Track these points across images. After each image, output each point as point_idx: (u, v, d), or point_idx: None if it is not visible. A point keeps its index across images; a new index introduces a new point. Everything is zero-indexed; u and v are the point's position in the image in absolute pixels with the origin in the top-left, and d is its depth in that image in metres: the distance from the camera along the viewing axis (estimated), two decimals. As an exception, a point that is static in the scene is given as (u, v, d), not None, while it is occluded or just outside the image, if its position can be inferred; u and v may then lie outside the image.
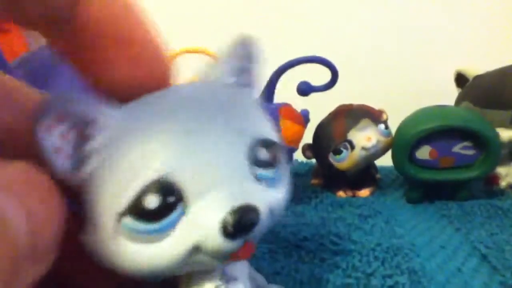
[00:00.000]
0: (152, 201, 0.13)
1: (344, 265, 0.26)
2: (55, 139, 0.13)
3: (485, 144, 0.36)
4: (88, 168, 0.14)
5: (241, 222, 0.13)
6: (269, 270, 0.25)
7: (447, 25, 0.64)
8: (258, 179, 0.15)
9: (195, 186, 0.13)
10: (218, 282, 0.16)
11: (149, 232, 0.13)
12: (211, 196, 0.13)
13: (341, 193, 0.42)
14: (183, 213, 0.13)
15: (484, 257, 0.28)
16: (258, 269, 0.25)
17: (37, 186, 0.11)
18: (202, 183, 0.14)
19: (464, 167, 0.37)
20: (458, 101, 0.44)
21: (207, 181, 0.14)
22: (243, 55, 0.17)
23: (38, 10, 0.13)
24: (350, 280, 0.24)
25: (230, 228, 0.13)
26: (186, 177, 0.13)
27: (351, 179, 0.42)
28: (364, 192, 0.42)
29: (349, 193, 0.42)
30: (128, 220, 0.13)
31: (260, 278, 0.20)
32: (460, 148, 0.37)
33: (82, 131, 0.14)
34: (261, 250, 0.28)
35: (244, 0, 0.65)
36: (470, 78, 0.44)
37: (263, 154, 0.15)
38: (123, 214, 0.13)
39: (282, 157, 0.16)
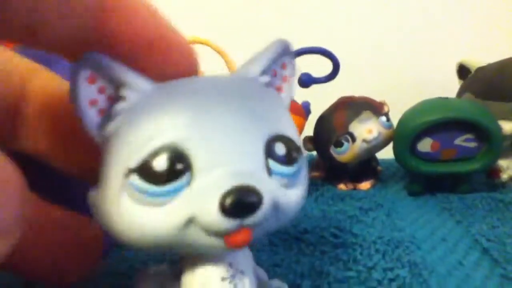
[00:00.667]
0: (161, 164, 0.13)
1: (345, 258, 0.26)
2: (93, 91, 0.14)
3: (487, 136, 0.36)
4: (112, 126, 0.15)
5: (240, 201, 0.13)
6: (269, 262, 0.25)
7: (449, 17, 0.64)
8: (271, 173, 0.15)
9: (204, 160, 0.14)
10: (225, 274, 0.16)
11: (152, 194, 0.14)
12: (216, 172, 0.14)
13: (342, 186, 0.42)
14: (187, 183, 0.14)
15: (485, 250, 0.28)
16: (258, 262, 0.25)
17: None
18: (211, 159, 0.14)
19: (465, 159, 0.37)
20: (460, 93, 0.44)
21: (216, 158, 0.14)
22: (277, 58, 0.18)
23: (63, 32, 0.13)
24: (351, 273, 0.24)
25: (228, 205, 0.13)
26: (198, 149, 0.14)
27: (352, 171, 0.42)
28: (365, 185, 0.42)
29: (350, 186, 0.42)
30: (135, 179, 0.14)
31: (262, 273, 0.20)
32: (462, 141, 0.36)
33: (116, 91, 0.15)
34: (261, 242, 0.28)
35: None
36: (472, 70, 0.44)
37: (280, 149, 0.15)
38: (132, 171, 0.14)
39: (300, 158, 0.16)
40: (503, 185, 0.39)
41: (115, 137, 0.14)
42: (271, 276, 0.24)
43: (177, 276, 0.18)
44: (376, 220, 0.33)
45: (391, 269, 0.24)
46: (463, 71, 0.46)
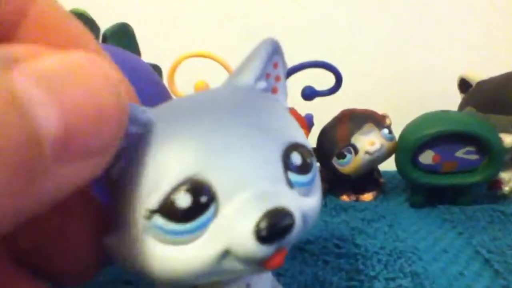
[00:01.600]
0: (184, 200, 0.13)
1: (347, 268, 0.26)
2: None
3: (488, 149, 0.36)
4: (117, 168, 0.14)
5: (275, 226, 0.13)
6: (273, 272, 0.26)
7: (450, 30, 0.65)
8: (292, 185, 0.14)
9: (227, 187, 0.13)
10: None
11: (179, 233, 0.13)
12: (243, 197, 0.13)
13: (344, 197, 0.42)
14: (214, 214, 0.13)
15: (486, 261, 0.28)
16: (263, 271, 0.26)
17: (83, 79, 0.10)
18: (234, 184, 0.13)
19: (467, 171, 0.37)
20: (462, 106, 0.45)
21: (239, 182, 0.13)
22: (269, 59, 0.17)
23: None
24: (354, 283, 0.24)
25: (264, 232, 0.12)
26: (218, 177, 0.13)
27: (354, 183, 0.42)
28: (368, 196, 0.42)
29: (353, 197, 0.42)
30: (158, 219, 0.13)
31: None
32: (463, 153, 0.37)
33: None
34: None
35: (248, 5, 0.66)
36: (473, 84, 0.44)
37: (297, 159, 0.15)
38: (153, 212, 0.13)
39: (314, 162, 0.16)
40: (505, 197, 0.40)
41: (123, 178, 0.14)
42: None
43: None
44: (378, 231, 0.33)
45: (393, 279, 0.25)
46: (464, 84, 0.46)
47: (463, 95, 0.46)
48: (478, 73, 0.45)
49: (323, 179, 0.45)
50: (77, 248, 0.15)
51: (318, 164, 0.43)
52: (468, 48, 0.64)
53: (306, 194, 0.15)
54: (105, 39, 0.27)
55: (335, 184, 0.44)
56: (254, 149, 0.14)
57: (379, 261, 0.27)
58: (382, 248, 0.29)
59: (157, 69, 0.33)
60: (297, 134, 0.16)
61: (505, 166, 0.38)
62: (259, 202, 0.13)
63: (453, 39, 0.64)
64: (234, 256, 0.13)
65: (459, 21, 0.64)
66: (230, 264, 0.13)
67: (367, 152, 0.39)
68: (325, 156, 0.41)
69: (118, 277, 0.26)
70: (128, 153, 0.13)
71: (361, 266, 0.26)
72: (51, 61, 0.10)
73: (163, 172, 0.13)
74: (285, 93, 0.18)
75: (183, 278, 0.13)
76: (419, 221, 0.36)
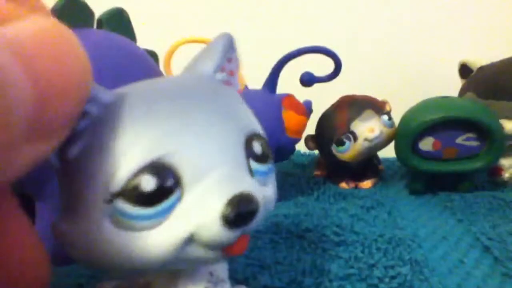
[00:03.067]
0: (148, 183, 0.12)
1: (346, 256, 0.26)
2: None
3: (488, 135, 0.36)
4: (77, 149, 0.13)
5: (241, 211, 0.13)
6: (271, 260, 0.25)
7: (451, 16, 0.64)
8: (252, 173, 0.15)
9: (191, 170, 0.13)
10: (207, 284, 0.16)
11: (142, 218, 0.12)
12: (209, 181, 0.13)
13: (343, 184, 0.42)
14: (179, 199, 0.13)
15: (486, 249, 0.28)
16: (260, 258, 0.25)
17: (54, 46, 0.10)
18: (199, 167, 0.13)
19: (467, 158, 0.37)
20: (462, 92, 0.44)
21: (204, 165, 0.13)
22: (225, 53, 0.17)
23: None
24: (352, 271, 0.24)
25: (230, 217, 0.12)
26: (182, 160, 0.13)
27: (353, 170, 0.42)
28: (367, 183, 0.42)
29: (352, 184, 0.42)
30: (120, 203, 0.12)
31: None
32: (464, 140, 0.36)
33: None
34: (263, 240, 0.28)
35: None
36: (474, 69, 0.44)
37: (257, 147, 0.15)
38: (115, 196, 0.12)
39: (271, 155, 0.16)
40: (505, 183, 0.39)
41: (83, 160, 0.13)
42: (274, 273, 0.24)
43: None
44: (377, 218, 0.33)
45: (393, 267, 0.25)
46: (465, 70, 0.46)
47: (463, 80, 0.46)
48: (479, 58, 0.44)
49: (322, 166, 0.45)
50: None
51: (316, 151, 0.43)
52: (469, 33, 0.63)
53: (264, 184, 0.15)
54: (100, 25, 0.26)
55: (334, 171, 0.44)
56: (219, 134, 0.14)
57: (378, 249, 0.27)
58: (381, 235, 0.29)
59: (153, 55, 0.32)
60: (257, 125, 0.16)
61: (506, 153, 0.38)
62: (225, 187, 0.13)
63: (454, 24, 0.64)
64: (198, 242, 0.13)
65: (460, 6, 0.63)
66: (195, 250, 0.13)
67: (366, 139, 0.38)
68: (324, 143, 0.40)
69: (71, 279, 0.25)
70: (88, 135, 0.13)
71: (360, 254, 0.26)
72: (22, 28, 0.09)
73: (126, 154, 0.12)
74: (237, 89, 0.18)
75: (145, 266, 0.13)
76: (419, 209, 0.36)
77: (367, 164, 0.42)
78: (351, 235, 0.29)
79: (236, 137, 0.14)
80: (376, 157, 0.44)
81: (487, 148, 0.36)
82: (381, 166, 0.44)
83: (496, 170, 0.39)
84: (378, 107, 0.39)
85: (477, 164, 0.37)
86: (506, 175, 0.39)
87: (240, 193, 0.13)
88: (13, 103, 0.09)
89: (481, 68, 0.43)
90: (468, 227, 0.31)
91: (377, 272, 0.24)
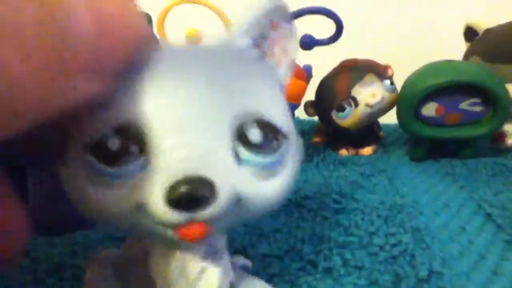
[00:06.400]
0: (114, 143, 0.13)
1: (346, 224, 0.26)
2: None
3: (493, 100, 0.35)
4: None
5: (187, 194, 0.12)
6: (270, 227, 0.25)
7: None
8: (241, 161, 0.14)
9: (160, 141, 0.13)
10: (204, 254, 0.16)
11: (105, 175, 0.13)
12: (172, 157, 0.13)
13: (343, 151, 0.42)
14: (142, 167, 0.13)
15: (488, 216, 0.27)
16: (259, 227, 0.25)
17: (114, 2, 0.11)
18: (169, 140, 0.13)
19: (470, 124, 0.36)
20: (467, 55, 0.43)
21: (174, 140, 0.13)
22: (264, 18, 0.16)
23: None
24: (352, 239, 0.24)
25: (173, 197, 0.12)
26: (154, 130, 0.13)
27: (354, 137, 0.41)
28: (367, 150, 0.41)
29: (352, 151, 0.42)
30: (90, 157, 0.13)
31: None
32: (468, 105, 0.35)
33: None
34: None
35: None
36: (480, 32, 0.43)
37: (255, 134, 0.14)
38: (87, 148, 0.13)
39: (284, 148, 0.15)
40: (508, 150, 0.39)
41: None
42: (273, 241, 0.24)
43: (135, 259, 0.17)
44: (378, 185, 0.32)
45: (393, 235, 0.24)
46: (470, 33, 0.44)
47: (468, 43, 0.44)
48: (485, 21, 0.43)
49: (322, 133, 0.44)
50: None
51: (316, 117, 0.42)
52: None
53: (263, 176, 0.14)
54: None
55: (333, 138, 0.43)
56: (204, 111, 0.13)
57: (378, 216, 0.26)
58: (382, 203, 0.28)
59: (146, 16, 0.31)
60: (272, 111, 0.14)
61: (510, 118, 0.37)
62: (182, 166, 0.12)
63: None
64: (148, 215, 0.13)
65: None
66: (147, 221, 0.13)
67: (367, 105, 0.37)
68: (324, 109, 0.39)
69: (111, 233, 0.25)
70: None
71: (360, 222, 0.26)
72: None
73: (107, 111, 0.13)
74: (288, 60, 0.17)
75: (106, 220, 0.14)
76: (420, 175, 0.35)
77: (367, 131, 0.42)
78: (351, 203, 0.28)
79: (225, 119, 0.13)
80: (377, 123, 0.43)
81: (491, 113, 0.35)
82: (381, 133, 0.44)
83: (499, 136, 0.39)
84: (380, 71, 0.38)
85: (481, 130, 0.36)
86: (509, 141, 0.38)
87: (193, 176, 0.12)
88: (74, 34, 0.10)
89: (488, 31, 0.42)
90: (470, 194, 0.31)
91: (377, 240, 0.23)
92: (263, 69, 0.16)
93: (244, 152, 0.14)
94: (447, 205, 0.29)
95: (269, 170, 0.14)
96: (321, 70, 0.41)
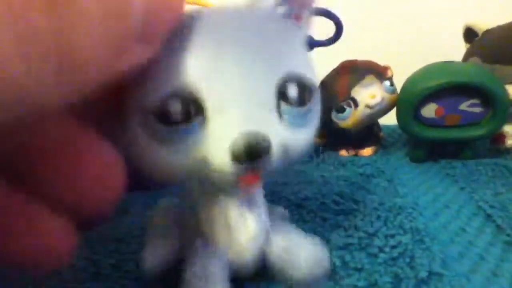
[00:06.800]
0: (175, 106, 0.14)
1: (346, 225, 0.26)
2: None
3: (493, 101, 0.35)
4: None
5: (249, 148, 0.14)
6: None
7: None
8: (282, 114, 0.15)
9: (215, 104, 0.14)
10: (244, 210, 0.18)
11: (166, 134, 0.14)
12: (229, 116, 0.14)
13: (343, 152, 0.42)
14: (201, 126, 0.14)
15: (488, 217, 0.27)
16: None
17: None
18: (223, 103, 0.14)
19: (470, 125, 0.36)
20: (467, 57, 0.43)
21: (228, 102, 0.14)
22: None
23: None
24: (352, 240, 0.24)
25: (237, 151, 0.14)
26: (210, 94, 0.14)
27: (354, 137, 0.41)
28: (367, 151, 0.41)
29: (352, 152, 0.42)
30: (153, 120, 0.14)
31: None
32: (467, 106, 0.35)
33: None
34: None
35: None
36: (479, 33, 0.43)
37: (293, 90, 0.15)
38: (149, 110, 0.14)
39: (313, 98, 0.16)
40: (508, 151, 0.39)
41: (133, 74, 0.14)
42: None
43: (191, 207, 0.20)
44: (378, 186, 0.32)
45: (393, 236, 0.24)
46: (470, 34, 0.44)
47: (468, 45, 0.44)
48: (485, 22, 0.43)
49: (322, 134, 0.44)
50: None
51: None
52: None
53: (297, 126, 0.16)
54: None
55: (333, 138, 0.43)
56: (251, 75, 0.14)
57: (378, 217, 0.26)
58: (381, 204, 0.28)
59: None
60: (302, 67, 0.16)
61: (509, 119, 0.37)
62: (241, 124, 0.14)
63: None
64: (210, 167, 0.14)
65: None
66: (210, 173, 0.15)
67: (367, 106, 0.37)
68: (324, 110, 0.39)
69: (110, 235, 0.25)
70: None
71: (360, 223, 0.26)
72: None
73: (166, 77, 0.14)
74: (309, 22, 0.18)
75: (167, 176, 0.16)
76: (420, 176, 0.35)
77: (367, 132, 0.42)
78: (351, 204, 0.28)
79: (269, 79, 0.15)
80: (377, 124, 0.43)
81: (490, 115, 0.35)
82: (381, 134, 0.44)
83: (499, 137, 0.39)
84: (379, 72, 0.38)
85: (480, 131, 0.36)
86: (509, 142, 0.38)
87: (252, 131, 0.14)
88: (129, 7, 0.10)
89: (487, 32, 0.42)
90: (470, 195, 0.31)
91: (377, 241, 0.23)
92: (290, 29, 0.17)
93: (284, 107, 0.15)
94: (447, 206, 0.29)
95: (302, 120, 0.16)
96: (320, 71, 0.40)
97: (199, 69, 0.14)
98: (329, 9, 0.35)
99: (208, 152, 0.14)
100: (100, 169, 0.14)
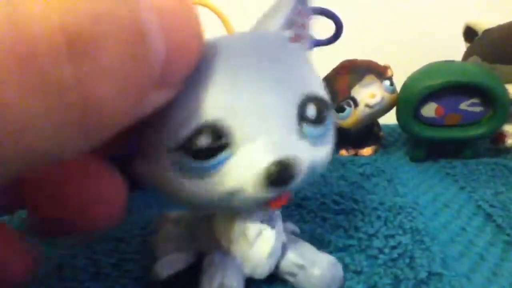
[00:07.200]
0: (203, 141, 0.14)
1: (346, 225, 0.25)
2: None
3: (493, 100, 0.35)
4: None
5: (283, 174, 0.14)
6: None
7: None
8: (304, 135, 0.15)
9: (243, 134, 0.14)
10: (263, 217, 0.18)
11: (197, 169, 0.14)
12: (258, 143, 0.14)
13: (343, 152, 0.41)
14: (230, 156, 0.14)
15: (488, 216, 0.27)
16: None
17: (184, 15, 0.12)
18: (250, 132, 0.14)
19: (470, 125, 0.36)
20: (466, 56, 0.43)
21: (254, 130, 0.14)
22: (295, 7, 0.17)
23: None
24: (352, 241, 0.24)
25: (272, 177, 0.14)
26: (237, 124, 0.14)
27: (353, 137, 0.41)
28: (367, 151, 0.41)
29: (352, 152, 0.41)
30: (181, 156, 0.14)
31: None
32: (467, 105, 0.35)
33: None
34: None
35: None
36: (480, 32, 0.43)
37: (312, 110, 0.16)
38: (177, 148, 0.14)
39: (329, 115, 0.17)
40: (508, 150, 0.39)
41: (154, 112, 0.14)
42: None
43: (203, 220, 0.20)
44: (377, 186, 0.32)
45: (393, 236, 0.24)
46: (470, 33, 0.44)
47: (468, 44, 0.44)
48: (485, 21, 0.43)
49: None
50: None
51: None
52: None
53: (318, 144, 0.16)
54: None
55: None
56: (274, 100, 0.15)
57: (378, 217, 0.26)
58: (381, 203, 0.28)
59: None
60: (316, 86, 0.16)
61: (509, 119, 0.37)
62: (272, 150, 0.14)
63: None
64: (241, 195, 0.15)
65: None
66: (239, 201, 0.15)
67: (367, 105, 0.37)
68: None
69: (110, 234, 0.25)
70: None
71: (360, 223, 0.26)
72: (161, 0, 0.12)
73: (190, 113, 0.14)
74: (309, 40, 0.18)
75: (198, 206, 0.16)
76: (420, 176, 0.35)
77: (367, 131, 0.42)
78: (350, 204, 0.28)
79: (290, 102, 0.15)
80: (377, 123, 0.43)
81: (491, 114, 0.35)
82: (381, 133, 0.44)
83: (499, 137, 0.38)
84: (379, 72, 0.38)
85: (480, 130, 0.36)
86: (509, 141, 0.38)
87: (284, 157, 0.14)
88: (150, 55, 0.11)
89: (487, 31, 0.41)
90: (470, 195, 0.31)
91: (377, 242, 0.23)
92: (298, 51, 0.17)
93: (306, 127, 0.16)
94: (447, 206, 0.29)
95: (322, 139, 0.16)
96: (320, 71, 0.40)
97: (221, 100, 0.14)
98: (328, 8, 0.35)
99: (239, 182, 0.14)
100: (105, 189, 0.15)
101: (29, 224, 0.16)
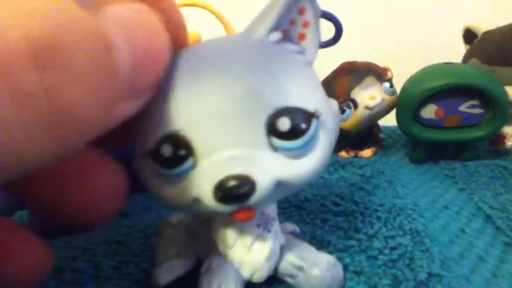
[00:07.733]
0: (166, 151, 0.15)
1: (345, 226, 0.25)
2: None
3: (493, 102, 0.35)
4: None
5: (231, 191, 0.14)
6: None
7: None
8: (275, 149, 0.15)
9: (204, 144, 0.14)
10: (259, 221, 0.18)
11: (165, 175, 0.15)
12: (215, 157, 0.14)
13: (343, 153, 0.42)
14: (193, 166, 0.15)
15: (488, 218, 0.27)
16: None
17: (146, 25, 0.12)
18: (211, 142, 0.14)
19: (469, 126, 0.36)
20: (466, 58, 0.43)
21: (215, 143, 0.14)
22: (292, 6, 0.16)
23: None
24: (352, 242, 0.24)
25: (219, 195, 0.14)
26: (198, 136, 0.14)
27: (353, 139, 0.41)
28: (367, 152, 0.41)
29: (352, 153, 0.42)
30: (151, 162, 0.15)
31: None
32: (467, 107, 0.35)
33: None
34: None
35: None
36: (479, 34, 0.43)
37: (284, 124, 0.15)
38: (147, 154, 0.15)
39: (313, 127, 0.15)
40: (507, 152, 0.39)
41: (138, 115, 0.14)
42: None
43: (202, 224, 0.20)
44: (377, 187, 0.32)
45: (393, 237, 0.24)
46: (469, 35, 0.44)
47: (468, 46, 0.44)
48: (484, 23, 0.43)
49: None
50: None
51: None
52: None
53: (297, 156, 0.15)
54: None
55: (333, 140, 0.43)
56: (238, 114, 0.14)
57: (378, 218, 0.26)
58: (381, 205, 0.28)
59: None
60: (298, 94, 0.15)
61: (509, 121, 0.37)
62: (225, 166, 0.14)
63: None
64: (203, 205, 0.15)
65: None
66: (205, 208, 0.15)
67: (367, 107, 0.37)
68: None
69: (110, 237, 0.25)
70: None
71: (360, 224, 0.26)
72: (123, 8, 0.12)
73: (158, 122, 0.15)
74: (316, 39, 0.17)
75: (174, 207, 0.16)
76: (420, 177, 0.35)
77: (367, 133, 0.42)
78: (350, 205, 0.28)
79: (257, 116, 0.15)
80: (377, 125, 0.43)
81: (490, 116, 0.35)
82: (381, 135, 0.44)
83: (499, 138, 0.39)
84: (379, 74, 0.38)
85: (480, 132, 0.36)
86: (508, 143, 0.38)
87: (236, 174, 0.14)
88: (117, 65, 0.11)
89: (486, 33, 0.42)
90: (470, 196, 0.31)
91: (377, 243, 0.23)
92: (286, 55, 0.16)
93: (276, 142, 0.15)
94: (446, 207, 0.29)
95: (301, 151, 0.15)
96: (320, 73, 0.40)
97: (183, 111, 0.14)
98: (328, 11, 0.35)
99: (197, 193, 0.15)
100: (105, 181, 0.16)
101: (29, 224, 0.16)
